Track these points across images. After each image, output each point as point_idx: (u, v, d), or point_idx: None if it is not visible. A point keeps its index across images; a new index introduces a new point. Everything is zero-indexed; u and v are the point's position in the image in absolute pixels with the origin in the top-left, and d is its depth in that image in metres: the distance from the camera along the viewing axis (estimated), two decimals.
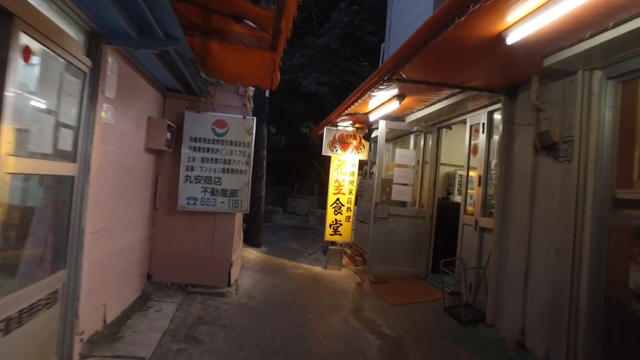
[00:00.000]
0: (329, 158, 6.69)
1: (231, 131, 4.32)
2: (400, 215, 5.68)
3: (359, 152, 6.53)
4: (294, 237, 9.29)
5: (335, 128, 6.43)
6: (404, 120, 5.96)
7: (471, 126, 4.91)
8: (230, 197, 4.30)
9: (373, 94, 4.32)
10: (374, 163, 8.36)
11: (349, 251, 7.19)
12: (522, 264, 3.51)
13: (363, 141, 6.50)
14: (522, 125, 3.77)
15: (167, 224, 4.27)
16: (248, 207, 4.38)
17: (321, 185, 14.37)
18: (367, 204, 7.04)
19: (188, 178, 4.22)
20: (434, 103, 4.98)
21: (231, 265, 4.35)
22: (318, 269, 6.28)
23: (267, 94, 7.39)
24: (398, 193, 5.63)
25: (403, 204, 6.01)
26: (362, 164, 7.09)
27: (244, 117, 4.37)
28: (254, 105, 7.48)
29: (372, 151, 7.39)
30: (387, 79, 3.62)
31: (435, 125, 5.78)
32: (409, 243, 5.68)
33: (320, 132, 7.24)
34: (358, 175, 6.89)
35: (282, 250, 7.63)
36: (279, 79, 3.10)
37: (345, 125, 6.47)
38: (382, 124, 5.58)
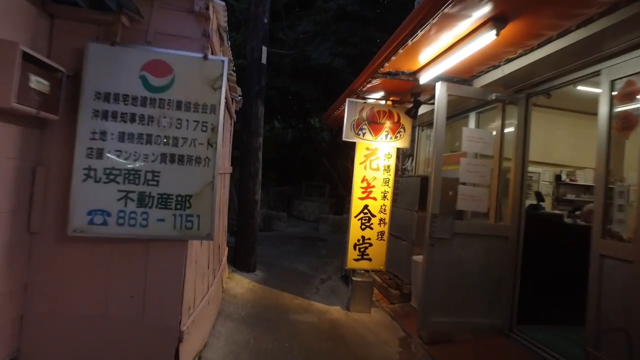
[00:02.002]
0: (341, 153, 4.63)
1: (179, 82, 2.25)
2: (470, 234, 3.56)
3: (396, 137, 4.38)
4: (301, 252, 7.23)
5: (362, 101, 4.32)
6: (470, 84, 3.85)
7: (612, 82, 2.78)
8: (176, 209, 2.23)
9: (446, 13, 2.21)
10: (409, 156, 6.27)
11: (378, 279, 5.09)
12: None
13: (403, 120, 4.35)
14: None
15: (57, 262, 2.22)
16: (212, 227, 2.30)
17: (333, 185, 12.31)
18: (404, 212, 4.93)
19: (91, 173, 2.16)
20: (543, 43, 2.86)
21: (180, 340, 2.29)
22: (337, 310, 4.21)
23: (263, 58, 5.31)
24: (467, 199, 3.51)
25: (460, 215, 3.89)
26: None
27: (205, 57, 2.30)
28: (246, 76, 5.44)
29: None
30: None
31: (524, 91, 3.65)
32: (483, 278, 3.55)
33: (338, 111, 5.16)
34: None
35: (284, 275, 5.56)
36: None
37: (376, 98, 4.38)
38: (441, 88, 3.46)
